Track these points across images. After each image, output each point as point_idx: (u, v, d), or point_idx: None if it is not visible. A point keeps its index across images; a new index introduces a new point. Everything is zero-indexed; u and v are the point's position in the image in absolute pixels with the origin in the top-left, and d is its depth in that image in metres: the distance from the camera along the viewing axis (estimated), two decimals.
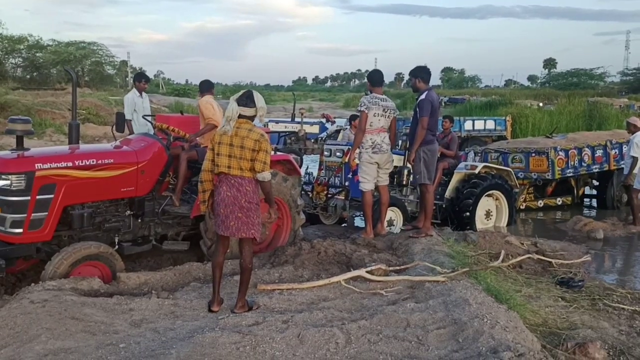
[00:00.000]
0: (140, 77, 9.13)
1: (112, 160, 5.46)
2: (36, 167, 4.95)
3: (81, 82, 45.61)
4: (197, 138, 6.41)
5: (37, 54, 46.74)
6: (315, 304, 4.58)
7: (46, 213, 5.01)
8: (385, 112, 6.86)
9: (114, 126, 6.95)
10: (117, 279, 5.11)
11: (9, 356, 3.40)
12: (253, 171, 4.29)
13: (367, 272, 5.22)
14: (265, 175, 4.31)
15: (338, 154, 8.64)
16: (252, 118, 4.34)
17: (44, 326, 3.76)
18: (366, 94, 7.12)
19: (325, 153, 9.00)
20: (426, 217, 7.01)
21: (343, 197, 8.38)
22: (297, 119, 18.82)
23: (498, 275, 5.67)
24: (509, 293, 4.95)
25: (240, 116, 4.27)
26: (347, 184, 8.39)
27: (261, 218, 4.48)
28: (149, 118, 7.35)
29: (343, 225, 9.06)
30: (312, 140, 18.10)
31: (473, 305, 4.29)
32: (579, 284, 5.67)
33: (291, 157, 6.78)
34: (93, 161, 5.32)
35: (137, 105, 8.64)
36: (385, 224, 7.39)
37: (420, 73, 6.98)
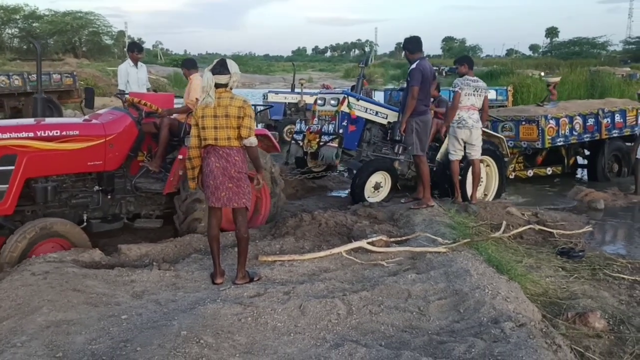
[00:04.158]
0: (133, 47, 9.01)
1: (77, 132, 5.28)
2: None
3: (79, 53, 45.22)
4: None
5: (34, 24, 46.19)
6: (316, 275, 4.59)
7: (6, 185, 4.83)
8: (477, 92, 7.36)
9: (83, 102, 6.80)
10: (118, 250, 5.11)
11: (11, 328, 3.41)
12: (240, 139, 4.28)
13: (368, 243, 5.22)
14: (252, 140, 4.30)
15: (332, 102, 8.45)
16: (227, 85, 4.30)
17: (45, 298, 3.76)
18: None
19: (319, 102, 8.78)
20: (424, 188, 6.99)
21: (336, 145, 8.28)
22: (297, 90, 18.66)
23: (499, 245, 5.68)
24: (510, 264, 4.97)
25: (216, 85, 4.25)
26: (340, 131, 8.23)
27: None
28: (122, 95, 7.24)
29: (334, 173, 9.07)
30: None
31: (474, 276, 4.30)
32: (580, 254, 5.68)
33: (269, 132, 6.62)
34: (57, 132, 5.13)
35: (130, 76, 8.50)
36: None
37: (408, 44, 7.05)
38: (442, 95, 9.78)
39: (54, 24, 45.28)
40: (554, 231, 6.54)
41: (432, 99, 9.21)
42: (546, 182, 10.75)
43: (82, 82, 24.33)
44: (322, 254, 5.02)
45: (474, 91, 7.35)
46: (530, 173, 10.52)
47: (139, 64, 8.68)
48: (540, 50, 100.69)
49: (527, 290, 4.44)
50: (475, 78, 7.46)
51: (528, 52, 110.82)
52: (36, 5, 57.99)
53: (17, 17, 45.35)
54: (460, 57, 7.96)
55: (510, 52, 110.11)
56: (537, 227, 6.61)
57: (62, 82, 17.18)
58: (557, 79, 13.96)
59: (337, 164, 8.62)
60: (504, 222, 6.41)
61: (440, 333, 3.60)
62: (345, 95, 8.22)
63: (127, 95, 6.61)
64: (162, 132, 6.04)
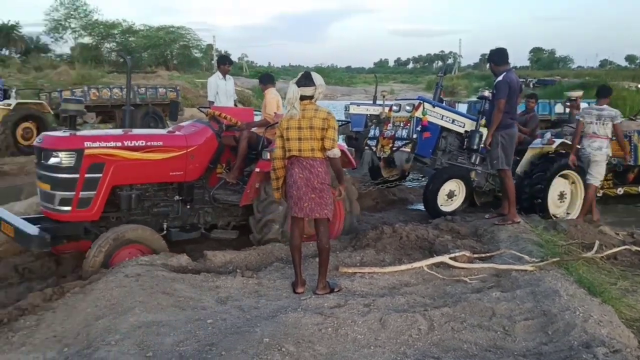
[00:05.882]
0: (225, 60, 9.34)
1: (161, 143, 5.47)
2: (85, 145, 5.00)
3: (170, 66, 47.43)
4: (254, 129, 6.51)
5: (130, 39, 48.94)
6: (397, 288, 4.54)
7: (94, 192, 5.06)
8: (600, 120, 7.47)
9: (168, 115, 7.04)
10: (204, 256, 5.29)
11: (105, 326, 3.60)
12: (323, 150, 4.32)
13: (450, 258, 5.12)
14: (336, 152, 4.35)
15: (407, 108, 8.36)
16: (312, 97, 4.36)
17: (137, 299, 3.95)
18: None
19: (394, 108, 8.73)
20: (510, 203, 6.74)
21: (409, 150, 8.16)
22: (378, 102, 18.66)
23: (591, 266, 5.39)
24: (603, 286, 4.70)
25: (302, 97, 4.31)
26: (414, 137, 8.11)
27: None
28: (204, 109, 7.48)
29: (406, 180, 8.94)
30: None
31: (564, 297, 4.11)
32: None
33: (345, 147, 6.49)
34: (142, 142, 5.34)
35: (219, 88, 8.84)
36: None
37: (493, 56, 6.88)
38: (534, 112, 9.48)
39: (149, 38, 47.80)
40: None
41: (527, 111, 9.03)
42: (638, 201, 10.12)
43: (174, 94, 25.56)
44: (403, 267, 4.97)
45: (596, 120, 7.46)
46: (620, 191, 9.90)
47: (227, 76, 9.00)
48: (638, 61, 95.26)
49: (622, 314, 4.18)
50: (602, 107, 7.53)
51: (624, 63, 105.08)
52: (133, 21, 61.45)
53: (115, 32, 48.23)
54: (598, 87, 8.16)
55: (604, 63, 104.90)
56: (634, 248, 6.22)
57: (166, 96, 18.48)
58: (580, 93, 13.01)
59: (408, 168, 8.50)
60: (597, 242, 6.08)
61: (527, 355, 3.46)
62: (421, 101, 8.12)
63: (209, 109, 6.85)
64: (241, 145, 6.19)
